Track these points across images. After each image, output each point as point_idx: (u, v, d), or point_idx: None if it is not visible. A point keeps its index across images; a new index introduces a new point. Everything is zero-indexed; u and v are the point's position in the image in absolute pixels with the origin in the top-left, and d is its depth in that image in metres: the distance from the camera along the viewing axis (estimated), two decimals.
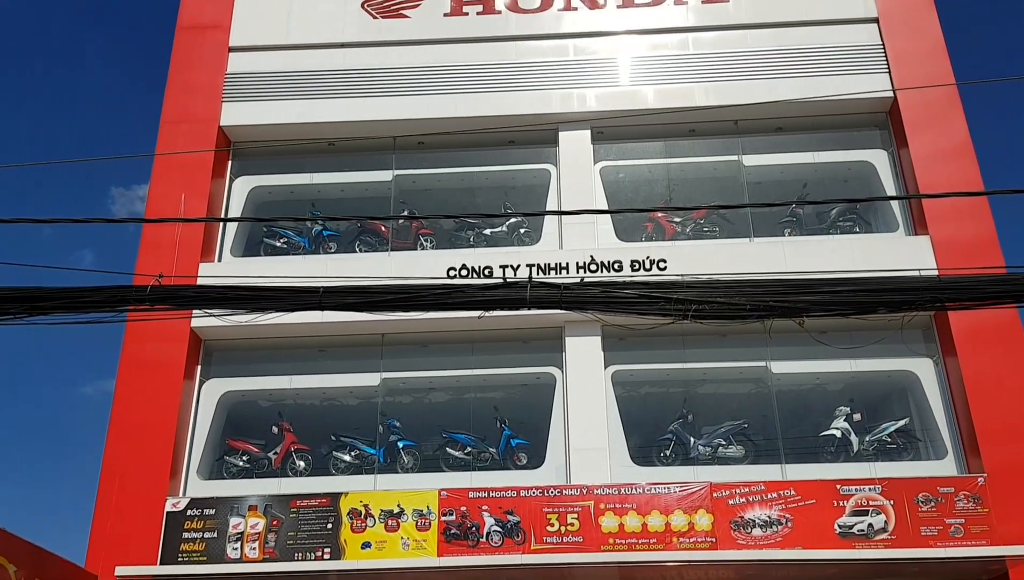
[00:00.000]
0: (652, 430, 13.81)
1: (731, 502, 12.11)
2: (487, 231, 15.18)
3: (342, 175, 15.90)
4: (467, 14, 15.96)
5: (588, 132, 15.19)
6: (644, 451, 13.54)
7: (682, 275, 6.76)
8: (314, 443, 14.00)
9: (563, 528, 12.05)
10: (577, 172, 14.92)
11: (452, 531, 12.13)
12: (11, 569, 9.07)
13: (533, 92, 15.23)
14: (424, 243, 15.18)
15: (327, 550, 12.14)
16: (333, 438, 13.89)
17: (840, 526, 11.91)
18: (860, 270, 6.59)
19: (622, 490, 12.27)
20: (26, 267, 7.09)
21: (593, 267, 13.78)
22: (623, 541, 11.94)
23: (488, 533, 12.09)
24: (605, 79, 15.31)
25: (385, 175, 15.64)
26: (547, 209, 14.98)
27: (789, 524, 11.94)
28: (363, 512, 12.32)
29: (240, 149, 15.56)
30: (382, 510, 12.31)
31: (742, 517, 12.01)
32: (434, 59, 15.55)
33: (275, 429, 13.99)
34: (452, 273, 13.77)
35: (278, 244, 15.37)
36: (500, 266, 13.86)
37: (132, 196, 39.62)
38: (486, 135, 15.17)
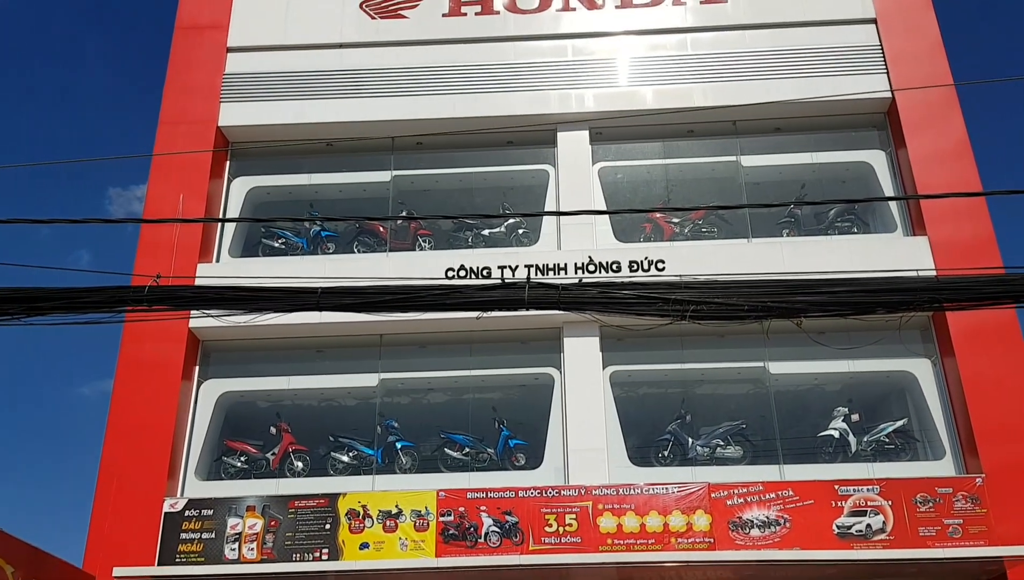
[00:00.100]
0: (650, 431, 13.81)
1: (729, 502, 12.11)
2: (485, 232, 15.18)
3: (340, 175, 15.90)
4: (465, 14, 15.96)
5: (586, 133, 15.19)
6: (642, 451, 13.54)
7: (680, 276, 6.77)
8: (312, 444, 14.00)
9: (561, 529, 12.05)
10: (575, 173, 14.92)
11: (450, 532, 12.13)
12: (9, 570, 9.06)
13: (531, 92, 15.24)
14: (422, 244, 15.18)
15: (325, 551, 12.13)
16: (331, 439, 13.89)
17: (838, 526, 11.91)
18: (858, 271, 6.59)
19: (620, 490, 12.27)
20: (24, 267, 7.08)
21: (591, 268, 13.78)
22: (621, 542, 11.94)
23: (486, 534, 12.09)
24: (603, 80, 15.31)
25: (383, 176, 15.64)
26: (545, 210, 14.98)
27: (787, 524, 11.95)
28: (361, 513, 12.31)
29: (238, 149, 15.55)
30: (380, 511, 12.31)
31: (740, 517, 12.02)
32: (432, 59, 15.55)
33: (273, 430, 13.98)
34: (450, 274, 13.77)
35: (276, 245, 15.36)
36: (498, 267, 13.86)
37: (130, 196, 39.62)
38: (484, 136, 15.17)
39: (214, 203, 14.84)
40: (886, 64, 14.99)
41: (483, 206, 16.03)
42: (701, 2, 15.84)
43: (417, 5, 16.05)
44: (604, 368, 13.56)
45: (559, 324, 13.62)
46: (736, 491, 12.18)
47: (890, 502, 11.96)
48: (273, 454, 13.73)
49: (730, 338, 13.70)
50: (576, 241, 14.17)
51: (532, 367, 14.13)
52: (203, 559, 12.19)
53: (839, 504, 12.02)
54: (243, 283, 6.56)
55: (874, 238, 14.72)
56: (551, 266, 13.82)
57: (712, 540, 11.90)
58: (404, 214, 15.50)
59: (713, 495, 12.16)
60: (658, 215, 14.89)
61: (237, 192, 15.39)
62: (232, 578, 12.17)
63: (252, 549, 12.20)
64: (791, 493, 12.13)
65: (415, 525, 12.19)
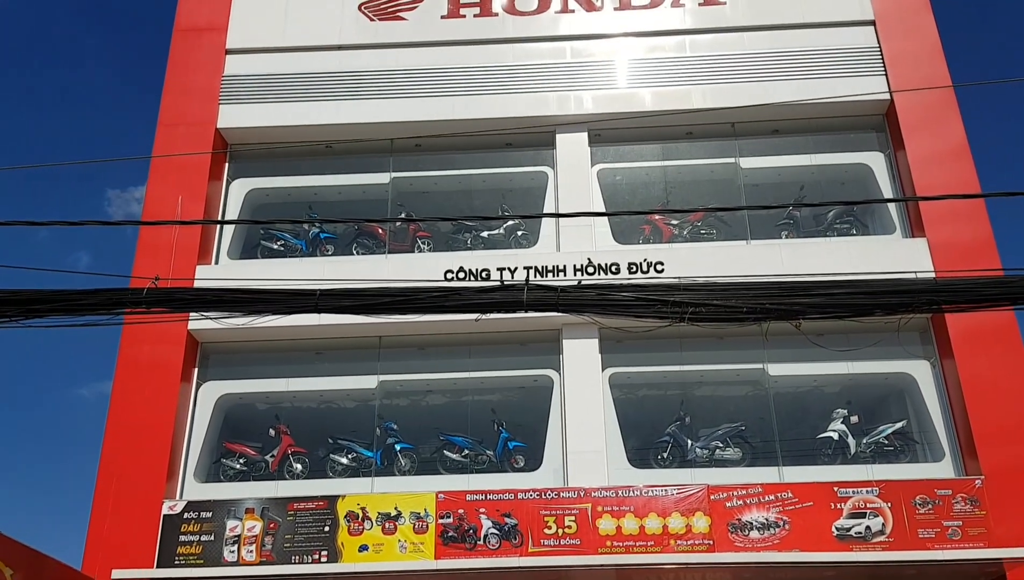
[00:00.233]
0: (649, 432, 13.80)
1: (728, 504, 12.11)
2: (484, 233, 15.18)
3: (339, 177, 15.90)
4: (464, 16, 15.97)
5: (585, 134, 15.18)
6: (641, 453, 13.53)
7: (679, 277, 6.78)
8: (311, 446, 13.99)
9: (560, 531, 12.04)
10: (574, 174, 14.92)
11: (449, 534, 12.12)
12: (7, 572, 9.04)
13: (530, 94, 15.24)
14: (421, 245, 15.18)
15: (324, 553, 12.12)
16: (330, 441, 13.87)
17: (838, 528, 11.91)
18: (857, 272, 6.59)
19: (619, 492, 12.27)
20: (22, 269, 7.09)
21: (590, 269, 13.79)
22: (620, 543, 11.94)
23: (485, 536, 12.08)
24: (602, 81, 15.32)
25: (382, 177, 15.64)
26: (544, 212, 14.97)
27: (786, 526, 11.94)
28: (360, 515, 12.30)
29: (237, 151, 15.55)
30: (379, 513, 12.30)
31: (739, 519, 12.01)
32: (431, 61, 15.55)
33: (272, 432, 13.97)
34: (449, 276, 13.76)
35: (275, 246, 15.35)
36: (497, 268, 13.86)
37: (128, 197, 39.62)
38: (483, 137, 15.19)
39: (213, 205, 14.83)
40: (885, 66, 14.99)
41: (482, 208, 16.03)
42: (700, 4, 15.85)
43: (416, 7, 16.05)
44: (603, 370, 13.56)
45: (558, 326, 13.62)
46: (735, 493, 12.18)
47: (889, 504, 11.96)
48: (272, 456, 13.72)
49: (729, 340, 13.69)
50: (575, 243, 14.17)
51: (531, 369, 14.12)
52: (202, 561, 12.17)
53: (838, 506, 12.02)
54: (242, 285, 6.56)
55: (873, 240, 14.73)
56: (550, 268, 13.82)
57: (711, 542, 11.90)
58: (403, 216, 15.50)
59: (712, 497, 12.15)
60: (657, 217, 14.89)
61: (236, 194, 15.39)
62: None
63: (251, 551, 12.19)
64: (790, 495, 12.13)
65: (414, 527, 12.18)
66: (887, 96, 14.82)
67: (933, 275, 12.83)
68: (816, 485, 12.23)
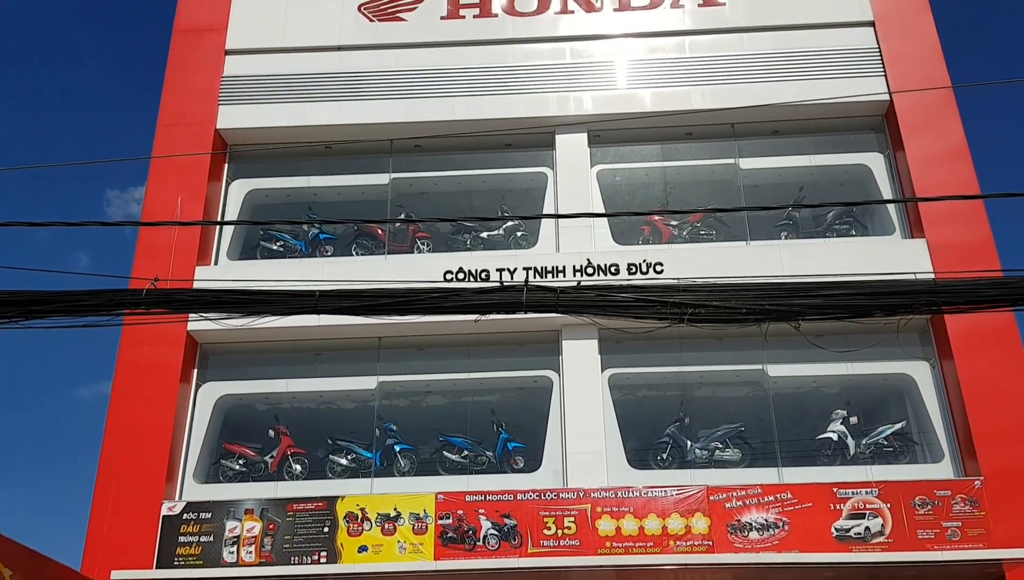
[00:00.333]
0: (649, 433, 13.80)
1: (728, 505, 12.11)
2: (484, 234, 15.18)
3: (339, 178, 15.90)
4: (464, 17, 15.97)
5: (585, 135, 15.18)
6: (641, 454, 13.53)
7: (679, 278, 6.79)
8: (311, 447, 13.98)
9: (560, 531, 12.04)
10: (574, 175, 14.92)
11: (449, 534, 12.12)
12: (7, 573, 9.04)
13: (530, 95, 15.24)
14: (421, 246, 15.18)
15: (323, 554, 12.12)
16: (330, 442, 13.87)
17: (837, 529, 11.91)
18: (856, 273, 6.60)
19: (619, 493, 12.27)
20: (22, 270, 7.08)
21: (590, 270, 13.79)
22: (620, 544, 11.94)
23: (485, 536, 12.08)
24: (602, 82, 15.32)
25: (382, 178, 15.64)
26: (544, 212, 14.97)
27: (786, 527, 11.94)
28: (360, 516, 12.30)
29: (237, 152, 15.55)
30: (379, 514, 12.30)
31: (739, 520, 12.01)
32: (431, 62, 15.55)
33: (271, 432, 13.96)
34: (449, 276, 13.76)
35: (275, 247, 15.35)
36: (497, 269, 13.86)
37: (127, 198, 39.62)
38: (483, 138, 15.19)
39: (212, 205, 14.83)
40: (884, 67, 15.00)
41: (481, 209, 16.03)
42: (699, 5, 15.86)
43: (416, 8, 16.06)
44: (603, 371, 13.56)
45: (558, 327, 13.62)
46: (735, 494, 12.18)
47: (889, 505, 11.96)
48: (271, 457, 13.72)
49: (728, 341, 13.69)
50: (574, 244, 14.17)
51: (531, 370, 14.12)
52: (201, 562, 12.17)
53: (838, 507, 12.02)
54: (241, 286, 6.57)
55: (872, 241, 14.73)
56: (549, 269, 13.82)
57: (711, 543, 11.90)
58: (402, 216, 15.50)
59: (712, 498, 12.15)
60: (656, 218, 14.89)
61: (235, 194, 15.39)
62: None
63: (250, 552, 12.19)
64: (790, 496, 12.13)
65: (414, 528, 12.18)
66: (886, 97, 14.83)
67: (932, 276, 12.84)
68: (815, 486, 12.23)
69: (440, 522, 12.19)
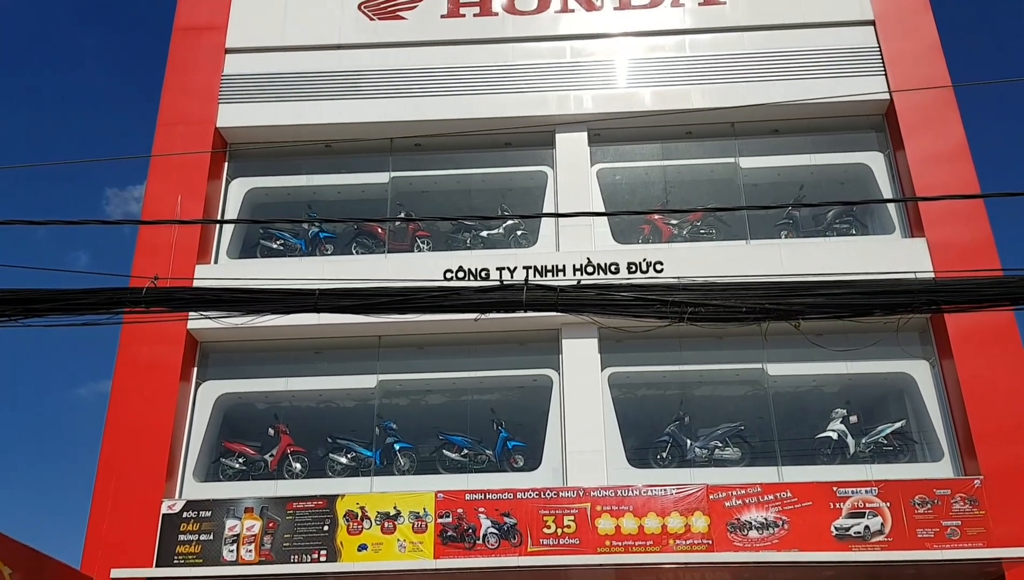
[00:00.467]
0: (649, 432, 13.81)
1: (727, 504, 12.11)
2: (484, 233, 15.18)
3: (339, 177, 15.90)
4: (464, 16, 15.97)
5: (585, 134, 15.18)
6: (641, 453, 13.53)
7: (679, 277, 6.78)
8: (310, 445, 13.98)
9: (560, 530, 12.04)
10: (574, 174, 14.92)
11: (448, 533, 12.12)
12: (7, 572, 9.05)
13: (530, 94, 15.24)
14: (421, 245, 15.18)
15: (323, 552, 12.12)
16: (329, 440, 13.87)
17: (837, 528, 11.91)
18: (856, 272, 6.59)
19: (619, 492, 12.27)
20: (21, 269, 7.08)
21: (590, 269, 13.79)
22: (619, 543, 11.94)
23: (484, 535, 12.09)
24: (602, 81, 15.32)
25: (382, 177, 15.63)
26: (544, 211, 14.97)
27: (785, 526, 11.95)
28: (359, 514, 12.30)
29: (237, 151, 15.54)
30: (378, 512, 12.30)
31: (739, 519, 12.02)
32: (431, 61, 15.55)
33: (271, 431, 13.97)
34: (449, 275, 13.76)
35: (274, 246, 15.35)
36: (497, 268, 13.86)
37: (127, 197, 39.63)
38: (483, 137, 15.18)
39: (212, 204, 14.83)
40: (884, 66, 14.99)
41: (481, 207, 16.03)
42: (699, 4, 15.85)
43: (416, 6, 16.05)
44: (602, 370, 13.56)
45: (558, 326, 13.62)
46: (734, 493, 12.18)
47: (888, 504, 11.96)
48: (271, 455, 13.72)
49: (728, 340, 13.69)
50: (574, 242, 14.17)
51: (530, 369, 14.12)
52: (201, 561, 12.17)
53: (837, 506, 12.02)
54: (241, 284, 6.56)
55: (872, 240, 14.73)
56: (549, 267, 13.82)
57: (710, 542, 11.90)
58: (402, 215, 15.50)
59: (711, 497, 12.16)
60: (656, 217, 14.89)
61: (235, 193, 15.38)
62: (230, 579, 12.15)
63: (250, 551, 12.19)
64: (789, 495, 12.13)
65: (413, 527, 12.18)
66: (887, 96, 14.83)
67: (932, 275, 12.84)
68: (815, 485, 12.23)
69: (440, 521, 12.19)
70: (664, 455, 13.43)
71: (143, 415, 13.04)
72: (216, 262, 14.56)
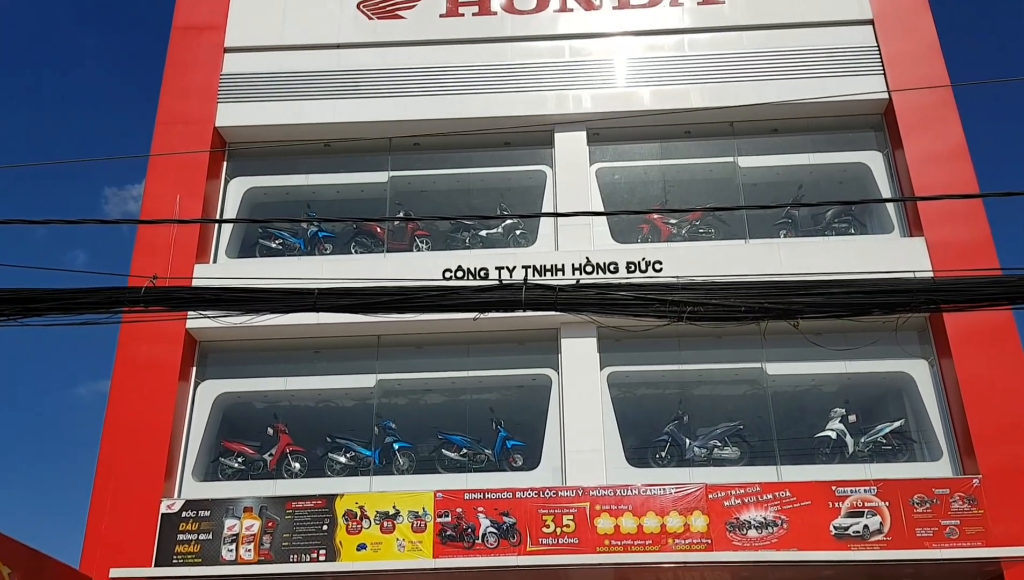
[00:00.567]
0: (648, 431, 13.81)
1: (726, 503, 12.12)
2: (483, 233, 15.17)
3: (338, 176, 15.89)
4: (463, 15, 15.96)
5: (584, 133, 15.18)
6: (640, 452, 13.54)
7: (678, 277, 6.77)
8: (309, 445, 13.98)
9: (559, 530, 12.04)
10: (573, 173, 14.92)
11: (448, 533, 12.12)
12: (6, 571, 9.04)
13: (529, 93, 15.24)
14: (420, 244, 15.17)
15: (322, 552, 12.12)
16: (328, 440, 13.87)
17: (835, 527, 11.92)
18: (855, 272, 6.60)
19: (618, 491, 12.27)
20: (20, 268, 7.08)
21: (589, 269, 13.79)
22: (619, 543, 11.94)
23: (484, 535, 12.09)
24: (601, 80, 15.32)
25: (381, 176, 15.63)
26: (543, 211, 14.97)
27: (784, 525, 11.95)
28: (358, 514, 12.30)
29: (235, 150, 15.53)
30: (377, 512, 12.30)
31: (737, 518, 12.02)
32: (430, 60, 15.54)
33: (270, 431, 13.96)
34: (448, 275, 13.76)
35: (273, 245, 15.34)
36: (496, 268, 13.85)
37: (125, 196, 39.61)
38: (482, 136, 15.18)
39: (211, 203, 14.83)
40: (883, 65, 15.00)
41: (480, 207, 16.02)
42: (698, 3, 15.85)
43: (415, 6, 16.05)
44: (602, 369, 13.56)
45: (557, 325, 13.61)
46: (733, 492, 12.18)
47: (887, 503, 11.97)
48: (270, 455, 13.72)
49: (727, 339, 13.70)
50: (573, 242, 14.17)
51: (530, 368, 14.12)
52: (200, 560, 12.17)
53: (836, 505, 12.03)
54: (240, 284, 6.56)
55: (871, 239, 14.73)
56: (548, 267, 13.82)
57: (709, 541, 11.90)
58: (401, 215, 15.50)
59: (710, 496, 12.16)
60: (655, 216, 14.89)
61: (234, 192, 15.37)
62: (229, 579, 12.15)
63: (249, 550, 12.19)
64: (788, 494, 12.13)
65: (412, 526, 12.18)
66: (885, 95, 14.83)
67: (931, 275, 12.83)
68: (814, 484, 12.24)
69: (439, 520, 12.19)
70: (663, 454, 13.43)
71: (142, 415, 13.04)
72: (215, 261, 14.56)
